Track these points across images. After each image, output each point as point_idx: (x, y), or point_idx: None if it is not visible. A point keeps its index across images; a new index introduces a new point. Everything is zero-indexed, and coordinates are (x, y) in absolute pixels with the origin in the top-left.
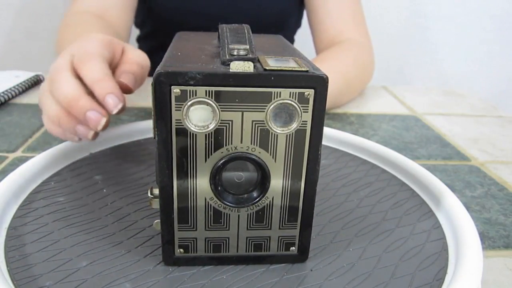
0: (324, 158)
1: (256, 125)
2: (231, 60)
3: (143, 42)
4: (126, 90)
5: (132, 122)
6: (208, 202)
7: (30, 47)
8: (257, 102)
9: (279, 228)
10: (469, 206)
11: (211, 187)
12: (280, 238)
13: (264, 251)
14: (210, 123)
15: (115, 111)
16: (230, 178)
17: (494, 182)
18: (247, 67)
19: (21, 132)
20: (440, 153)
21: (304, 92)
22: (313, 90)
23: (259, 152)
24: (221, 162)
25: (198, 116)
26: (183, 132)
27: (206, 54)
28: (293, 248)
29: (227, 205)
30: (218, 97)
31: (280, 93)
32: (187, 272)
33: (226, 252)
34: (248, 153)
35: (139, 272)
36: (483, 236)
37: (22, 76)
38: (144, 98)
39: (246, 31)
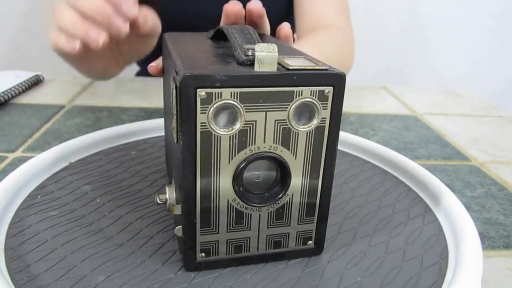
0: None
1: (279, 124)
2: (249, 60)
3: None
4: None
5: (108, 127)
6: (230, 204)
7: (30, 47)
8: (280, 102)
9: (298, 224)
10: (469, 206)
11: (234, 188)
12: (298, 233)
13: (283, 247)
14: (235, 125)
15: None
16: (249, 178)
17: (494, 182)
18: (271, 49)
19: (21, 132)
20: (440, 153)
21: (324, 90)
22: (332, 87)
23: (281, 151)
24: (245, 162)
25: (224, 118)
26: (208, 135)
27: (213, 55)
28: (310, 242)
29: (250, 205)
30: (242, 98)
31: (302, 91)
32: (210, 276)
33: (246, 252)
34: (271, 152)
35: (162, 281)
36: (483, 236)
37: (22, 76)
38: (144, 98)
39: (251, 31)
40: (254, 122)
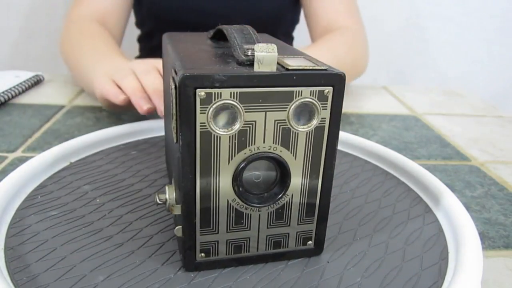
0: None
1: (278, 124)
2: (249, 60)
3: (144, 42)
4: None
5: (108, 127)
6: (230, 204)
7: (30, 47)
8: (280, 102)
9: (298, 224)
10: (469, 206)
11: (233, 189)
12: (298, 233)
13: (283, 247)
14: (235, 125)
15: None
16: (249, 178)
17: (494, 182)
18: (271, 49)
19: (21, 132)
20: (440, 153)
21: (323, 90)
22: (331, 87)
23: (281, 151)
24: (244, 163)
25: (223, 119)
26: (207, 135)
27: (213, 55)
28: (310, 242)
29: (250, 205)
30: (242, 98)
31: (301, 92)
32: (210, 276)
33: (246, 252)
34: (270, 152)
35: (161, 281)
36: (483, 236)
37: (22, 76)
38: None
39: (251, 31)
40: (253, 122)
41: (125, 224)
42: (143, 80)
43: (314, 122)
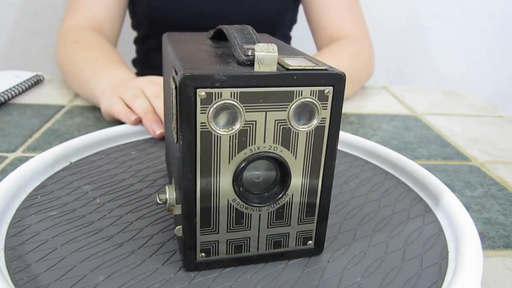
0: None
1: (279, 124)
2: (249, 60)
3: (140, 44)
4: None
5: (108, 127)
6: (230, 204)
7: (30, 47)
8: (280, 102)
9: (298, 224)
10: (469, 206)
11: (234, 188)
12: (298, 233)
13: (283, 247)
14: (235, 125)
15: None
16: (249, 178)
17: (494, 182)
18: (271, 49)
19: (21, 132)
20: (440, 153)
21: (324, 90)
22: (332, 87)
23: (281, 151)
24: (244, 162)
25: (224, 118)
26: (207, 135)
27: (213, 55)
28: (310, 242)
29: (250, 205)
30: (242, 98)
31: (301, 91)
32: (210, 276)
33: (246, 252)
34: (271, 152)
35: (161, 281)
36: (483, 236)
37: (22, 76)
38: None
39: (251, 31)
40: (254, 122)
41: (125, 224)
42: (155, 103)
43: (314, 122)
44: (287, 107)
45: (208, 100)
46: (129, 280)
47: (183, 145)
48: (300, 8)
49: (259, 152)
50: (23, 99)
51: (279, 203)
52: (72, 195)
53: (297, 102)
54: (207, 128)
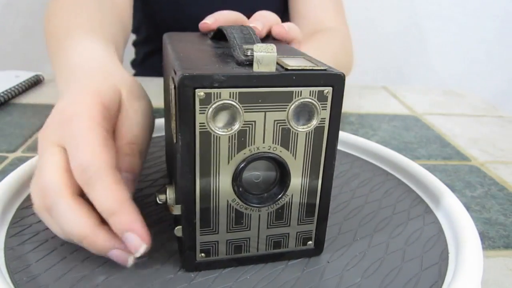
0: None
1: (278, 124)
2: (248, 60)
3: (139, 47)
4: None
5: None
6: (230, 204)
7: (30, 47)
8: (279, 102)
9: (298, 224)
10: (469, 206)
11: (233, 189)
12: (298, 234)
13: (283, 248)
14: (234, 125)
15: (137, 255)
16: (249, 179)
17: (494, 182)
18: (270, 49)
19: (21, 132)
20: (440, 153)
21: (323, 90)
22: (331, 88)
23: (280, 151)
24: (244, 163)
25: (223, 119)
26: (206, 135)
27: (212, 55)
28: (310, 242)
29: (250, 205)
30: (241, 98)
31: (301, 92)
32: (210, 276)
33: (246, 252)
34: (270, 152)
35: (162, 281)
36: (483, 236)
37: (22, 76)
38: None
39: (251, 31)
40: (253, 123)
41: None
42: (90, 195)
43: (314, 122)
44: (286, 107)
45: (207, 100)
46: (130, 280)
47: (182, 145)
48: None
49: (258, 153)
50: (23, 99)
51: (278, 204)
52: None
53: (297, 103)
54: (206, 128)
